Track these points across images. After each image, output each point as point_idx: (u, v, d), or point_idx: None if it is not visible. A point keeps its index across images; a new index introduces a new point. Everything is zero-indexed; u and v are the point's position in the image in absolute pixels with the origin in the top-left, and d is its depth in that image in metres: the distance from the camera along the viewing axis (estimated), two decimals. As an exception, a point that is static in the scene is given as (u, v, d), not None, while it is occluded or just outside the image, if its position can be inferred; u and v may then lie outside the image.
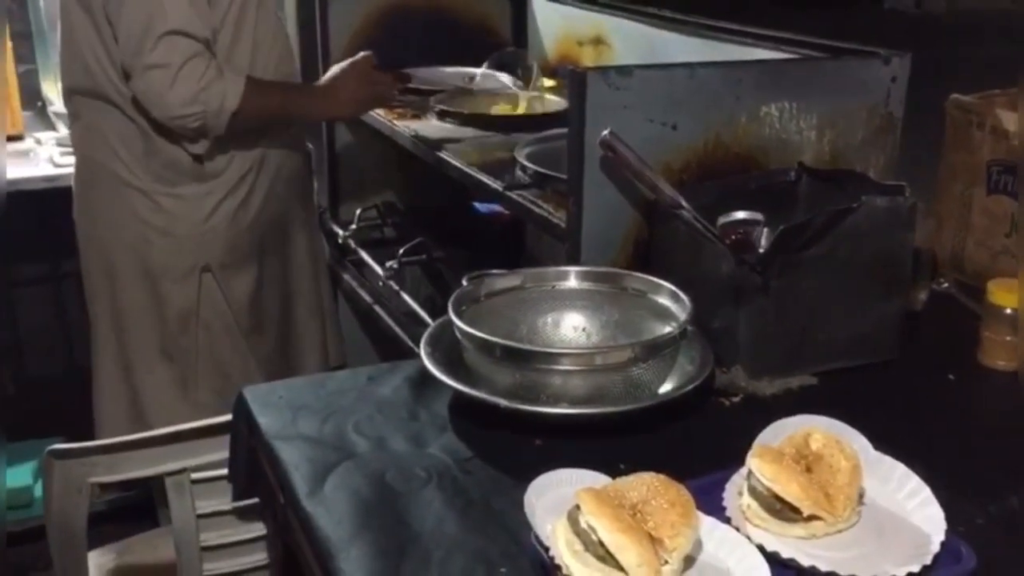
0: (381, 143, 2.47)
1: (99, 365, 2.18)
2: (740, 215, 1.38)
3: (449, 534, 1.06)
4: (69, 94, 2.08)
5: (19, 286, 3.02)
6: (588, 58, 2.51)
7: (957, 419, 1.34)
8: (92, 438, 1.94)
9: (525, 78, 2.54)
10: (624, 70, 1.47)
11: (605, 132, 1.42)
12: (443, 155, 2.03)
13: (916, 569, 0.95)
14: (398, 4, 2.66)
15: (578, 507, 0.95)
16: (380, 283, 2.40)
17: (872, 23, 9.36)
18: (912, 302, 1.56)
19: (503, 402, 1.22)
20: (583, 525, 0.94)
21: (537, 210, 1.70)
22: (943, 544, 0.98)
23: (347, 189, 2.75)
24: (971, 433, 1.30)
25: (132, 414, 2.15)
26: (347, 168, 2.75)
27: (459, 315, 1.31)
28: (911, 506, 1.05)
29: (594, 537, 0.93)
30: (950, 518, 1.01)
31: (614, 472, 1.05)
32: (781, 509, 1.01)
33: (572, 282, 1.43)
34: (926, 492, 1.05)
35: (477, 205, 2.44)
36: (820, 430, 1.08)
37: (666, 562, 0.93)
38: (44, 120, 2.93)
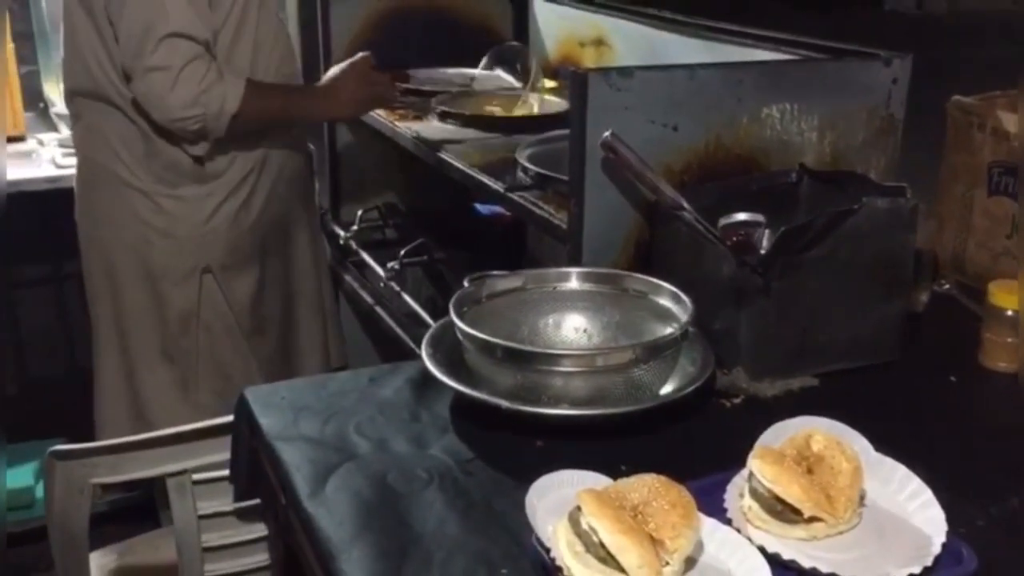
0: (382, 144, 2.48)
1: (100, 366, 2.18)
2: (741, 216, 1.38)
3: (450, 535, 1.06)
4: (71, 95, 2.09)
5: (21, 287, 3.02)
6: (589, 59, 2.51)
7: (958, 421, 1.34)
8: (93, 439, 1.95)
9: (524, 74, 2.54)
10: (625, 71, 1.47)
11: (606, 133, 1.42)
12: (444, 156, 2.03)
13: (917, 571, 0.95)
14: (400, 5, 2.66)
15: (579, 508, 0.95)
16: (381, 284, 2.40)
17: (873, 24, 9.38)
18: (913, 303, 1.55)
19: (504, 403, 1.22)
20: (584, 526, 0.94)
21: (538, 211, 1.70)
22: (944, 546, 0.98)
23: (348, 190, 2.76)
24: (972, 435, 1.30)
25: (133, 415, 2.15)
26: (348, 169, 2.75)
27: (460, 316, 1.31)
28: (912, 508, 1.05)
29: (595, 538, 0.93)
30: (951, 520, 1.01)
31: (615, 473, 1.05)
32: (782, 511, 1.01)
33: (573, 283, 1.43)
34: (927, 494, 1.05)
35: (478, 206, 2.43)
36: (821, 431, 1.08)
37: (667, 563, 0.93)
38: (46, 121, 2.93)
